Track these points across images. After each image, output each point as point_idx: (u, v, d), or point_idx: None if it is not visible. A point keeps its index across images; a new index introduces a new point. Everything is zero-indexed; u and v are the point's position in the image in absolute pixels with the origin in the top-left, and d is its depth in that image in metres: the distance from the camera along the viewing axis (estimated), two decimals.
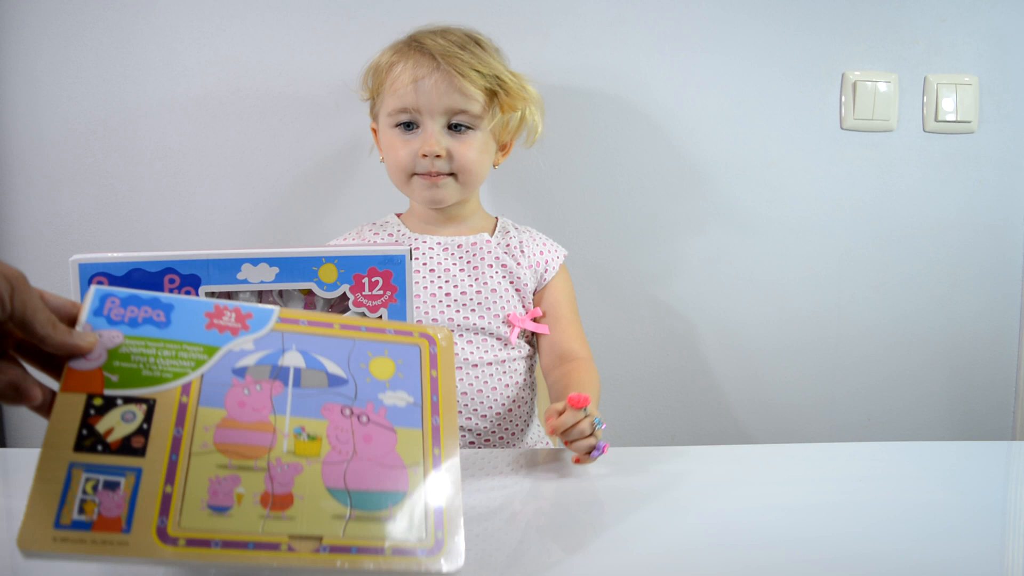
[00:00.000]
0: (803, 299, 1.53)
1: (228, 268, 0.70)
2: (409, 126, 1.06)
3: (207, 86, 1.38)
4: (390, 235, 1.14)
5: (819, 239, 1.51)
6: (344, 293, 0.72)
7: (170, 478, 0.50)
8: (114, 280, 0.69)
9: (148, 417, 0.52)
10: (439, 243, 1.10)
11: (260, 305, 0.61)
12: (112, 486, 0.48)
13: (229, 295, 0.72)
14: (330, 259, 0.72)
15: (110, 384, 0.53)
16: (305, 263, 0.71)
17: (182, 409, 0.53)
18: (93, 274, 0.68)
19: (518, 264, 1.10)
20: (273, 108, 1.40)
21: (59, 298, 0.55)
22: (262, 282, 0.71)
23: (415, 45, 1.06)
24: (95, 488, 0.48)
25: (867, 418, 1.58)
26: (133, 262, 0.69)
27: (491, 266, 1.09)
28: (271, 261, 0.70)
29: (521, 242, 1.12)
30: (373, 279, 0.73)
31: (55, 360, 0.54)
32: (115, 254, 0.69)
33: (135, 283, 0.69)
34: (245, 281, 0.70)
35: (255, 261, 0.70)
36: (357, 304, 0.73)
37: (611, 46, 1.44)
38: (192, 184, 1.40)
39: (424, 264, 1.09)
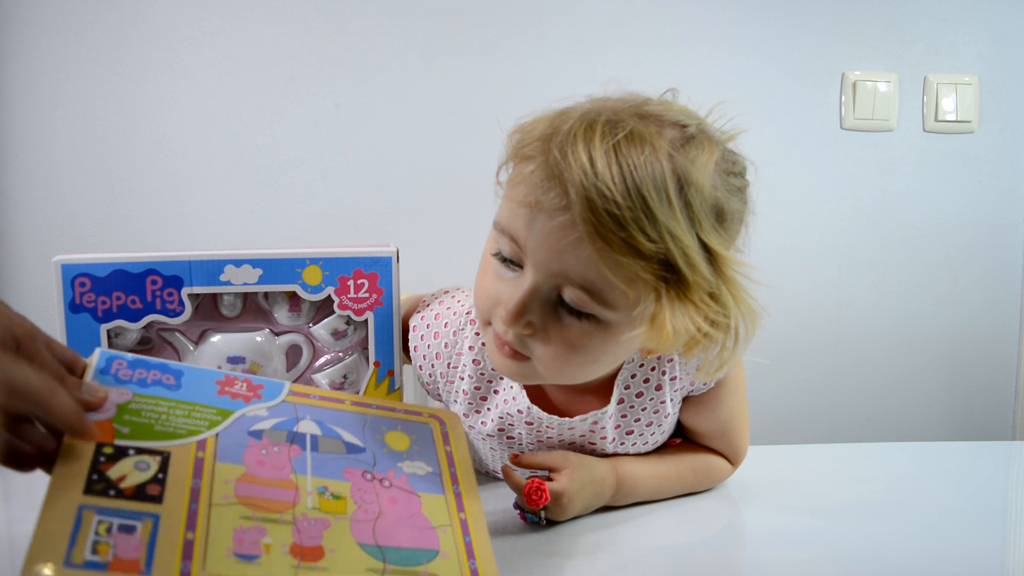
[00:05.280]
0: (803, 299, 1.53)
1: (211, 269, 0.69)
2: (510, 262, 0.62)
3: (207, 86, 1.38)
4: (475, 361, 0.75)
5: (819, 239, 1.51)
6: (329, 296, 0.71)
7: (191, 526, 0.48)
8: (96, 280, 0.68)
9: (163, 468, 0.50)
10: (532, 422, 0.74)
11: (270, 379, 0.61)
12: (128, 529, 0.46)
13: (213, 296, 0.72)
14: (314, 260, 0.70)
15: (120, 435, 0.51)
16: (289, 264, 0.70)
17: (199, 463, 0.52)
18: (76, 275, 0.67)
19: (648, 424, 0.75)
20: (273, 108, 1.40)
21: (68, 349, 0.53)
22: (245, 284, 0.69)
23: (557, 155, 0.57)
24: (108, 530, 0.46)
25: (867, 418, 1.57)
26: (115, 263, 0.68)
27: (612, 440, 0.75)
28: (254, 263, 0.69)
29: (659, 388, 0.73)
30: (359, 281, 0.71)
31: None
32: (97, 255, 0.68)
33: (117, 284, 0.68)
34: (228, 283, 0.69)
35: (238, 263, 0.69)
36: (342, 307, 0.71)
37: (611, 46, 1.43)
38: (192, 184, 1.40)
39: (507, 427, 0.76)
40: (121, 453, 0.50)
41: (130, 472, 0.49)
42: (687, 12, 1.44)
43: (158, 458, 0.51)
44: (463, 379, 0.75)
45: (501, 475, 0.82)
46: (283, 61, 1.39)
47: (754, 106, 1.46)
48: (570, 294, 0.58)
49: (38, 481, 0.49)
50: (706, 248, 0.57)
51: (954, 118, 1.49)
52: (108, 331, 0.69)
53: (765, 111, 1.47)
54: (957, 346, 1.57)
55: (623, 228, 0.54)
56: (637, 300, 0.56)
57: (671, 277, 0.56)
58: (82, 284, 0.68)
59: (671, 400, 0.74)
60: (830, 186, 1.50)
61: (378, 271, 0.71)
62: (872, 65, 1.48)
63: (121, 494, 0.48)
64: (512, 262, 0.61)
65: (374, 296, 0.71)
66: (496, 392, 0.75)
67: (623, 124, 0.57)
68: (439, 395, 0.78)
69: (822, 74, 1.47)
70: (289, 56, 1.39)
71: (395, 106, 1.41)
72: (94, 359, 0.55)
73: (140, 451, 0.51)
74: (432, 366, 0.76)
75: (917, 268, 1.54)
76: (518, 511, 0.71)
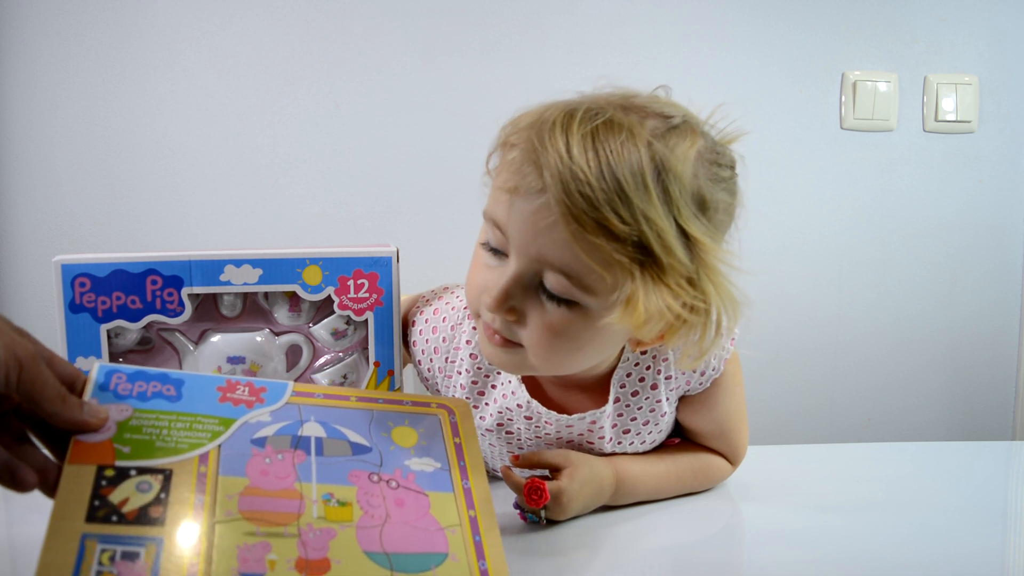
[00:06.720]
0: (803, 299, 1.53)
1: (211, 269, 0.69)
2: (496, 251, 0.63)
3: (207, 86, 1.38)
4: (472, 356, 0.75)
5: (819, 239, 1.51)
6: (329, 296, 0.71)
7: (195, 548, 0.47)
8: (96, 281, 0.68)
9: (165, 487, 0.50)
10: (531, 417, 0.75)
11: (273, 380, 0.60)
12: (131, 556, 0.46)
13: (213, 296, 0.72)
14: (314, 260, 0.70)
15: (121, 456, 0.50)
16: (289, 264, 0.70)
17: (201, 478, 0.51)
18: (76, 275, 0.67)
19: (645, 423, 0.75)
20: (273, 108, 1.40)
21: (68, 365, 0.53)
22: (245, 284, 0.69)
23: (535, 141, 0.59)
24: (112, 559, 0.45)
25: (867, 418, 1.57)
26: (115, 263, 0.68)
27: (610, 440, 0.76)
28: (254, 263, 0.69)
29: (655, 387, 0.73)
30: (359, 281, 0.71)
31: (60, 432, 0.51)
32: (97, 255, 0.68)
33: (117, 284, 0.68)
34: (228, 283, 0.69)
35: (238, 263, 0.69)
36: (342, 307, 0.71)
37: (611, 46, 1.43)
38: (192, 184, 1.40)
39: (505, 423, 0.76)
40: (123, 475, 0.50)
41: (132, 494, 0.49)
42: (687, 12, 1.44)
43: (160, 476, 0.50)
44: (460, 373, 0.75)
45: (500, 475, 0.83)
46: (283, 61, 1.39)
47: (754, 106, 1.46)
48: (551, 279, 0.59)
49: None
50: (685, 235, 0.57)
51: (954, 118, 1.49)
52: (108, 331, 0.69)
53: (765, 111, 1.47)
54: (957, 346, 1.57)
55: (596, 209, 0.55)
56: (615, 286, 0.57)
57: (647, 260, 0.56)
58: (82, 284, 0.68)
59: (667, 399, 0.74)
60: (830, 186, 1.50)
61: (378, 271, 0.71)
62: (872, 65, 1.48)
63: (124, 519, 0.47)
64: (498, 251, 0.62)
65: (374, 296, 0.71)
66: (494, 387, 0.75)
67: (603, 112, 0.59)
68: (438, 390, 0.78)
69: (822, 74, 1.47)
70: (289, 56, 1.39)
71: (395, 106, 1.41)
72: (93, 374, 0.55)
73: (142, 471, 0.50)
74: (431, 360, 0.77)
75: (917, 268, 1.54)
76: (518, 511, 0.71)
